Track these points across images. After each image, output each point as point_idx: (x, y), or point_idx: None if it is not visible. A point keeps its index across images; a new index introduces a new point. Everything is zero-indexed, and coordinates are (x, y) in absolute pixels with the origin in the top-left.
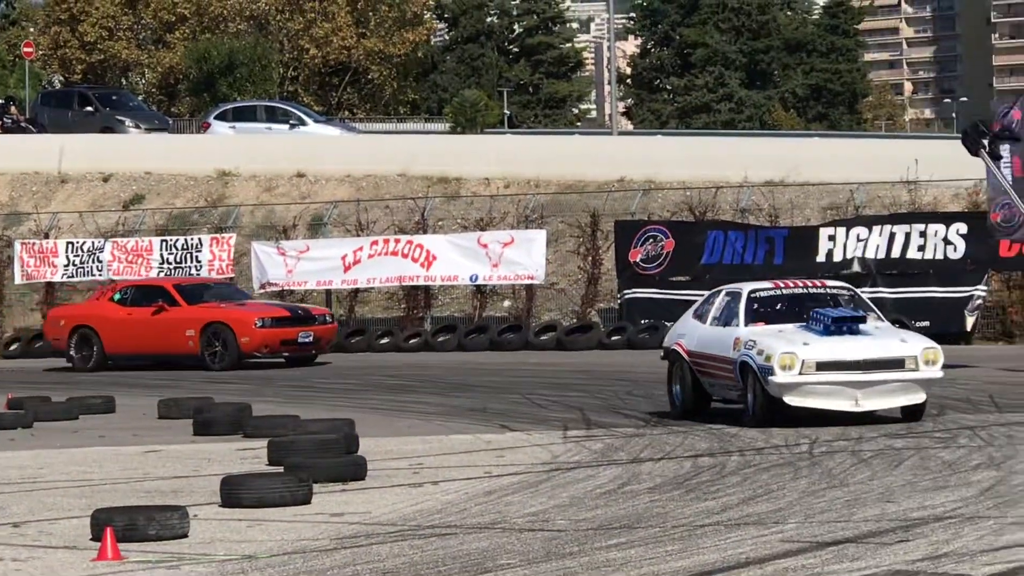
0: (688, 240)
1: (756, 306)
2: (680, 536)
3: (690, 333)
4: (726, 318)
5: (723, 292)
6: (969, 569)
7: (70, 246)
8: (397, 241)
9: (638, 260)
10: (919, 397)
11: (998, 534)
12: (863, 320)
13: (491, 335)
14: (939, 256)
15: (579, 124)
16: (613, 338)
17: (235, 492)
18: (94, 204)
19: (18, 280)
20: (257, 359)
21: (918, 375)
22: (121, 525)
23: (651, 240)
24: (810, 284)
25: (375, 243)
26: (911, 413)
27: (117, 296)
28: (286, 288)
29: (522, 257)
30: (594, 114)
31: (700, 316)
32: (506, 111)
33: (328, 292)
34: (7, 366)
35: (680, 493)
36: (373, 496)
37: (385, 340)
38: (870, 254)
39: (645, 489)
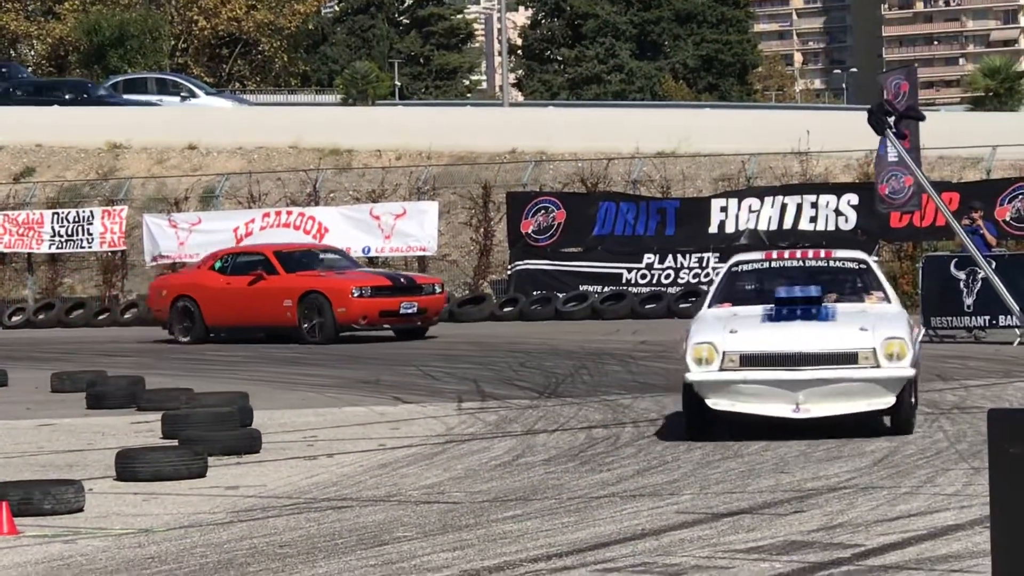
0: (580, 211)
1: (737, 282)
2: (576, 508)
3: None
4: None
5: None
6: (864, 539)
7: None
8: (289, 213)
9: (530, 231)
10: (884, 400)
11: (892, 504)
12: (819, 300)
13: None
14: (831, 227)
15: (470, 96)
16: (505, 309)
17: (130, 466)
18: None
19: None
20: (356, 331)
21: (877, 373)
22: (16, 500)
23: (543, 211)
24: (811, 255)
25: (267, 215)
26: (897, 424)
27: (218, 264)
28: (178, 261)
29: (414, 229)
30: (484, 86)
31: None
32: (397, 83)
33: None
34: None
35: (575, 465)
36: (268, 469)
37: None
38: (762, 225)
39: (540, 461)
